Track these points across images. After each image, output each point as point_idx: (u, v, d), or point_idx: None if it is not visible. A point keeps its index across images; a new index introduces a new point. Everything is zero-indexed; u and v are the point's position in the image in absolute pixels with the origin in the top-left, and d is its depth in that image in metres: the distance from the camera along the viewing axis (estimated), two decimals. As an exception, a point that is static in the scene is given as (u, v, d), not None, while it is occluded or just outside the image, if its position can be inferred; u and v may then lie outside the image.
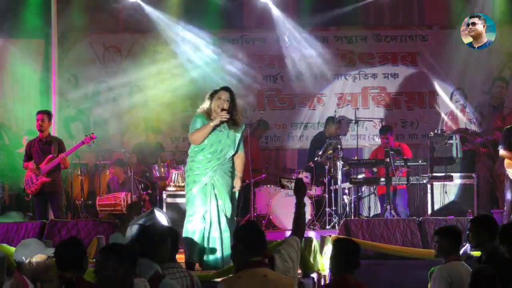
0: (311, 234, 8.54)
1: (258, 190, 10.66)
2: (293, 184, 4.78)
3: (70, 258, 4.39)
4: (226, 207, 6.89)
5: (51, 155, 9.15)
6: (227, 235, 6.82)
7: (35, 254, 4.54)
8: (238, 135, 7.00)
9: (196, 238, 6.83)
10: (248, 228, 4.15)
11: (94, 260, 7.13)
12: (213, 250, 6.82)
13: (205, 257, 6.84)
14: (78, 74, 12.11)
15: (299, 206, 4.58)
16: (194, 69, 11.90)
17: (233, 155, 7.01)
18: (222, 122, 6.91)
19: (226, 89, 7.02)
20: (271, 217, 10.20)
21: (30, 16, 11.62)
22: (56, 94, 11.31)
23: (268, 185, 10.73)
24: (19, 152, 10.93)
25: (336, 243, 4.66)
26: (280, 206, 10.18)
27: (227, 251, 6.70)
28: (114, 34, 12.28)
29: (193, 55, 11.95)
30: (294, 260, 4.30)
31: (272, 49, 12.11)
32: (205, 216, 6.85)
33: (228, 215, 6.90)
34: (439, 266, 5.02)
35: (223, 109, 6.87)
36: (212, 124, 6.86)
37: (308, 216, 10.26)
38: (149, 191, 10.69)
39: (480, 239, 5.04)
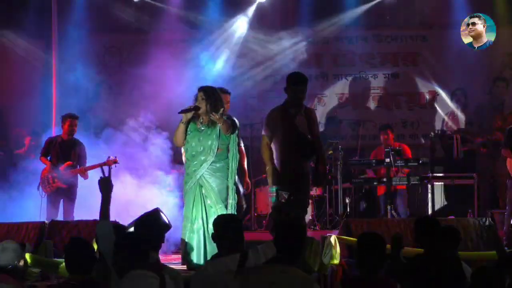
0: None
1: (258, 190, 10.66)
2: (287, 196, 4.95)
3: (80, 260, 4.37)
4: (215, 206, 6.83)
5: (70, 162, 9.18)
6: None
7: (21, 257, 4.58)
8: (217, 128, 6.90)
9: (189, 240, 6.79)
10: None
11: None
12: (199, 251, 6.76)
13: (195, 258, 6.76)
14: (78, 74, 12.08)
15: None
16: (192, 68, 11.87)
17: (218, 151, 6.89)
18: (199, 116, 6.89)
19: (199, 89, 7.00)
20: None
21: (30, 16, 11.63)
22: (56, 94, 11.29)
23: (268, 185, 10.71)
24: (19, 153, 10.94)
25: (361, 237, 4.61)
26: (280, 206, 10.17)
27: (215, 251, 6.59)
28: (114, 34, 12.26)
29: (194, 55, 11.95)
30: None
31: (272, 49, 12.10)
32: (196, 218, 6.81)
33: (216, 214, 6.73)
34: None
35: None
36: (182, 122, 6.92)
37: (308, 216, 10.27)
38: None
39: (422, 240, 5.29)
